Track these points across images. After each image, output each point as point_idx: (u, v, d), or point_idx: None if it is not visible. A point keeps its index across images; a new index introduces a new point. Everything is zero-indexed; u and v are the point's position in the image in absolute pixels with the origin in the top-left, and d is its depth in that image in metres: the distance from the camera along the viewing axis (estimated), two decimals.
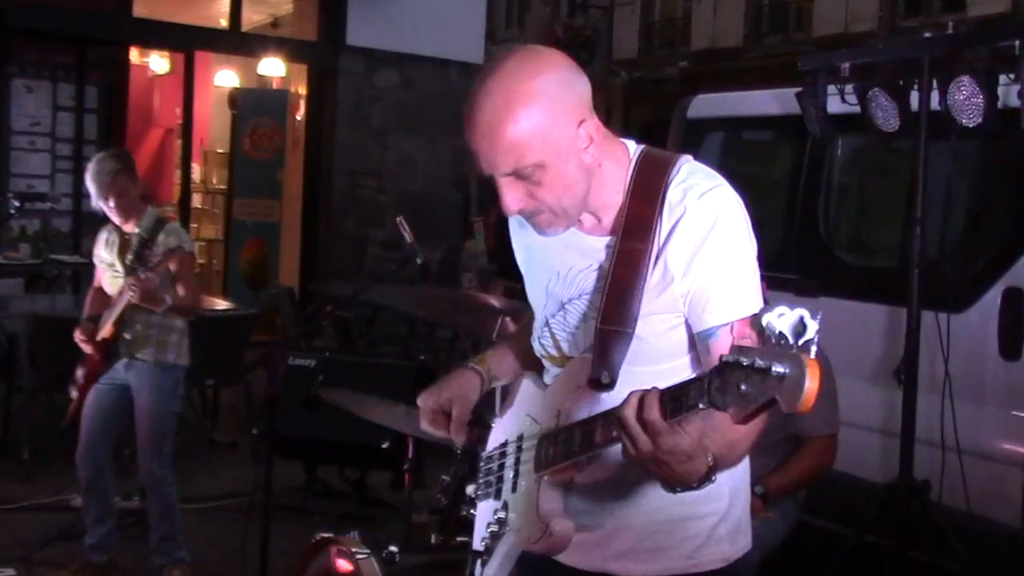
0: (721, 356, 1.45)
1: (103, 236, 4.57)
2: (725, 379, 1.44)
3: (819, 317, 1.38)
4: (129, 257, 4.41)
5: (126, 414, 4.46)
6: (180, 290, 4.40)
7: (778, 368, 1.36)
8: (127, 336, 4.40)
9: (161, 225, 4.43)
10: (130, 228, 4.43)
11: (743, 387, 1.41)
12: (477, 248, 12.80)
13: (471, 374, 2.20)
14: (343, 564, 3.11)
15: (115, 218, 4.42)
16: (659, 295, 1.84)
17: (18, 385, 6.26)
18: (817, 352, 1.38)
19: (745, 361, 1.40)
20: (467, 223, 12.07)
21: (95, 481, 4.43)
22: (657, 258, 1.83)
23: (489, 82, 1.79)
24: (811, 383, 1.34)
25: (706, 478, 1.67)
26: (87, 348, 4.47)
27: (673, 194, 1.84)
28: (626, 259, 1.84)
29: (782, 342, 1.38)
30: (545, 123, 1.77)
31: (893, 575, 4.15)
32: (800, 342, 1.37)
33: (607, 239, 1.90)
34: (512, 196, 1.83)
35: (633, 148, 1.94)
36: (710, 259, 1.81)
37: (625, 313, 1.82)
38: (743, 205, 1.86)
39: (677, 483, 1.67)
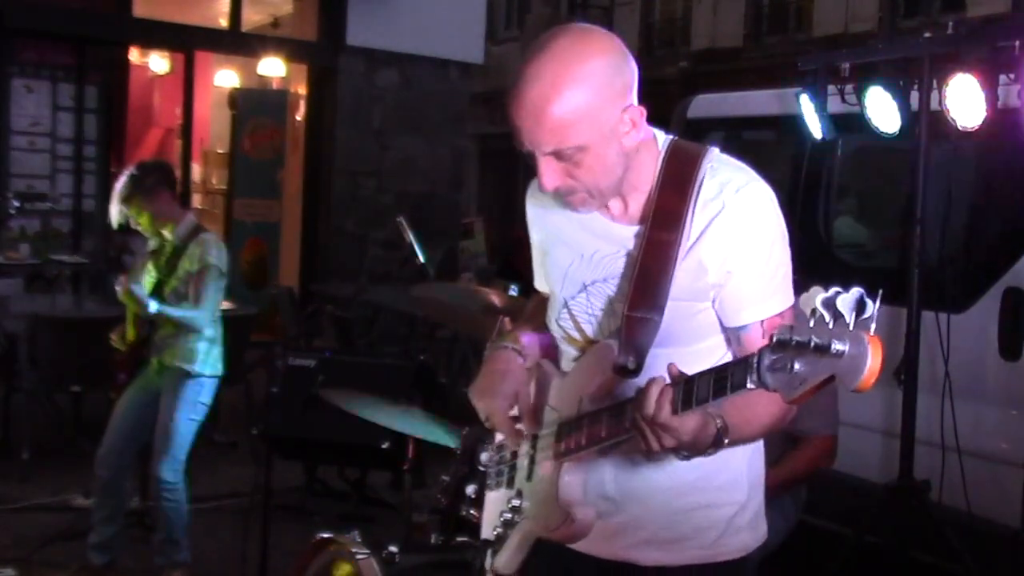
0: (772, 335, 1.44)
1: (150, 240, 4.61)
2: (777, 358, 1.43)
3: (878, 298, 1.37)
4: (162, 261, 4.44)
5: (153, 421, 4.45)
6: (191, 300, 4.41)
7: (838, 345, 1.35)
8: (156, 340, 4.44)
9: (195, 235, 4.45)
10: (167, 233, 4.46)
11: (797, 366, 1.40)
12: (477, 248, 12.81)
13: (514, 356, 2.07)
14: (343, 564, 3.11)
15: (145, 235, 4.48)
16: (689, 284, 1.85)
17: (18, 385, 6.25)
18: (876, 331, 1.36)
19: (800, 339, 1.39)
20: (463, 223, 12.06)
21: (112, 482, 4.43)
22: (690, 250, 1.84)
23: (540, 60, 1.78)
24: (874, 361, 1.33)
25: (717, 442, 1.69)
26: (120, 347, 4.53)
27: (708, 188, 1.85)
28: (655, 249, 1.84)
29: (838, 320, 1.37)
30: (592, 107, 1.78)
31: (893, 575, 4.15)
32: (858, 320, 1.36)
33: (635, 228, 1.90)
34: (550, 175, 1.83)
35: (662, 138, 1.94)
36: (746, 256, 1.83)
37: (652, 300, 1.83)
38: (775, 198, 1.88)
39: (691, 452, 1.70)
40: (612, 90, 1.80)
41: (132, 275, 4.47)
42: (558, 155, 1.81)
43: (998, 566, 4.11)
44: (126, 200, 4.36)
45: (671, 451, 1.70)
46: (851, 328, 1.36)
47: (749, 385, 1.48)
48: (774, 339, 1.43)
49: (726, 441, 1.70)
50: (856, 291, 1.38)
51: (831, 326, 1.37)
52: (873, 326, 1.35)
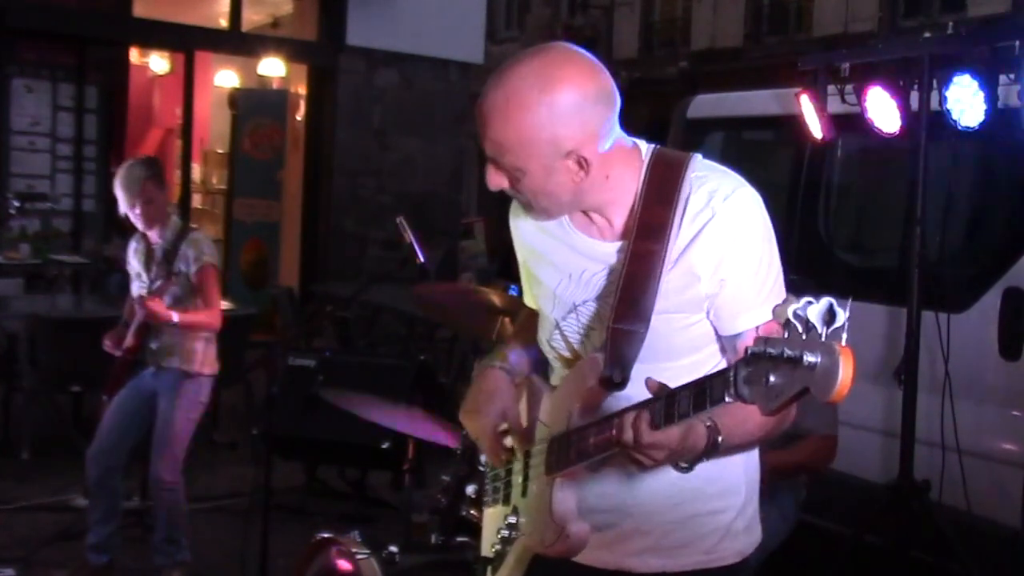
0: (746, 348, 1.44)
1: (132, 245, 4.58)
2: (752, 371, 1.42)
3: (848, 305, 1.36)
4: (153, 268, 4.42)
5: (147, 421, 4.44)
6: (200, 303, 4.40)
7: (809, 357, 1.34)
8: (153, 346, 4.42)
9: (184, 235, 4.42)
10: (154, 236, 4.43)
11: (772, 378, 1.39)
12: (477, 248, 12.82)
13: (502, 375, 2.08)
14: (343, 564, 3.11)
15: (139, 224, 4.42)
16: (679, 295, 1.83)
17: (18, 385, 6.26)
18: (847, 340, 1.35)
19: (773, 351, 1.38)
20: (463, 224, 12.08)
21: (104, 481, 4.42)
22: (679, 260, 1.82)
23: (506, 74, 1.79)
24: (845, 371, 1.32)
25: (713, 443, 1.68)
26: (116, 353, 4.51)
27: (696, 199, 1.83)
28: (640, 260, 1.83)
29: (810, 331, 1.36)
30: (531, 139, 1.77)
31: (893, 575, 4.15)
32: (829, 330, 1.35)
33: (619, 243, 1.88)
34: (493, 177, 1.86)
35: (645, 149, 1.92)
36: (739, 263, 1.81)
37: (638, 313, 1.81)
38: (763, 203, 1.87)
39: (687, 461, 1.69)
40: (562, 130, 1.77)
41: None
42: (496, 164, 1.84)
43: (998, 566, 4.11)
44: (145, 182, 4.30)
45: (667, 463, 1.69)
46: (823, 339, 1.35)
47: (727, 399, 1.48)
48: (748, 352, 1.43)
49: (720, 438, 1.68)
50: (826, 301, 1.37)
51: (804, 337, 1.36)
52: (844, 336, 1.34)
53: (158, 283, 4.35)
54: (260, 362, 7.09)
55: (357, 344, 8.27)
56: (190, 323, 4.36)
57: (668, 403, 1.60)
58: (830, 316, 1.36)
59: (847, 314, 1.36)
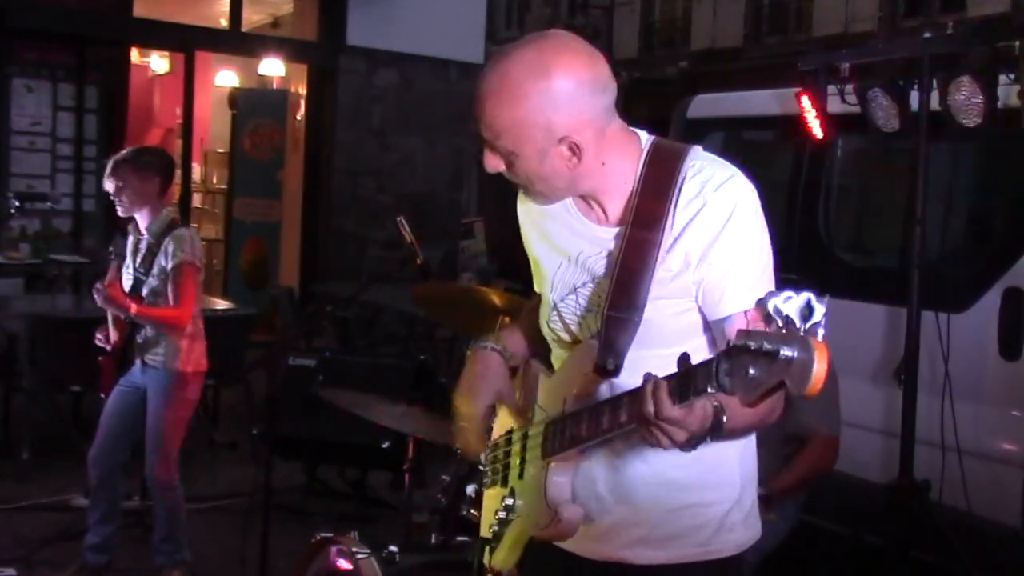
0: (728, 341, 1.46)
1: (130, 239, 4.58)
2: (733, 363, 1.44)
3: (825, 300, 1.38)
4: (138, 260, 4.42)
5: (144, 418, 4.42)
6: (170, 299, 4.37)
7: (786, 351, 1.36)
8: (139, 340, 4.41)
9: (170, 230, 4.39)
10: (141, 226, 4.42)
11: (751, 371, 1.41)
12: (477, 248, 12.80)
13: (495, 356, 2.11)
14: (343, 564, 3.11)
15: (119, 209, 4.41)
16: (671, 282, 1.85)
17: (18, 385, 6.26)
18: (825, 336, 1.37)
19: (753, 345, 1.40)
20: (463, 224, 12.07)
21: (105, 481, 4.41)
22: (672, 248, 1.84)
23: (506, 58, 1.82)
24: (819, 366, 1.34)
25: (716, 426, 1.66)
26: (106, 348, 4.51)
27: (689, 188, 1.85)
28: (635, 248, 1.85)
29: (789, 325, 1.38)
30: (525, 123, 1.80)
31: (893, 575, 4.15)
32: (807, 325, 1.37)
33: (617, 229, 1.91)
34: (491, 160, 1.90)
35: (644, 139, 1.95)
36: (726, 249, 1.83)
37: (632, 301, 1.84)
38: (757, 194, 1.88)
39: (691, 443, 1.68)
40: (555, 116, 1.79)
41: (109, 280, 4.43)
42: (492, 148, 1.87)
43: (998, 566, 4.12)
44: (117, 165, 4.32)
45: (682, 445, 1.67)
46: (800, 333, 1.37)
47: (709, 389, 1.50)
48: (731, 344, 1.45)
49: (725, 420, 1.66)
50: (804, 295, 1.38)
51: (783, 331, 1.38)
52: (821, 331, 1.36)
53: (123, 272, 4.40)
54: (260, 362, 7.09)
55: (357, 344, 8.27)
56: (150, 315, 4.33)
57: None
58: (808, 311, 1.38)
59: (824, 309, 1.37)
